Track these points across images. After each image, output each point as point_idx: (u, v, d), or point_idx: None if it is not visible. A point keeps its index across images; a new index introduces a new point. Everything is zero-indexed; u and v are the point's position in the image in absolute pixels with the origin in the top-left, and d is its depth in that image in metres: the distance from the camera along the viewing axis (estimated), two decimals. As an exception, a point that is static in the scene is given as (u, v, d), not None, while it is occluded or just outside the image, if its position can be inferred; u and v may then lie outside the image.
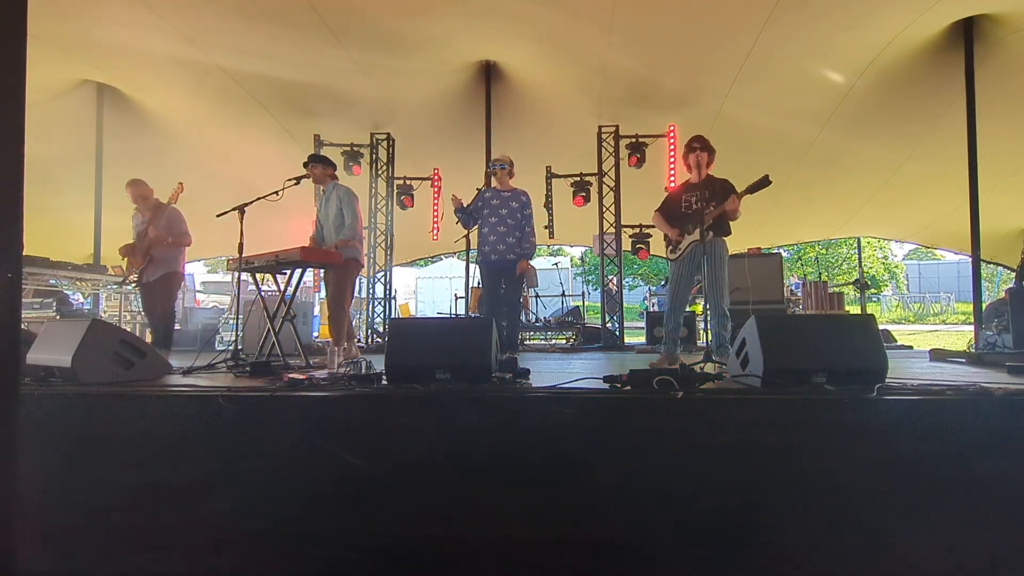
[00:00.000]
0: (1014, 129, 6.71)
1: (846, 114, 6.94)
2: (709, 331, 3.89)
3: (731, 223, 3.85)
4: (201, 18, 5.50)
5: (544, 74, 6.85)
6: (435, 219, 8.38)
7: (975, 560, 1.94)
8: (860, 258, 14.87)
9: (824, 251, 22.02)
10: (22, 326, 2.62)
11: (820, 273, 14.73)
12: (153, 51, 5.95)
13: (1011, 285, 6.14)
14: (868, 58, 6.01)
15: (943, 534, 1.95)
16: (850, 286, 9.79)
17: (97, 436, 2.30)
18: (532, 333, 8.56)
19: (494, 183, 4.58)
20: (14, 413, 1.53)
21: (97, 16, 5.41)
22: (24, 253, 2.37)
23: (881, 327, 3.43)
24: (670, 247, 4.03)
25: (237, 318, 4.63)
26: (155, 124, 7.40)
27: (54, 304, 6.37)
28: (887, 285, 24.41)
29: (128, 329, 4.48)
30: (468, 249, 4.49)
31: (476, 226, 4.57)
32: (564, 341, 8.14)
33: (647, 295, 15.03)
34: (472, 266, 4.63)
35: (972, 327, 6.19)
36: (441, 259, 20.21)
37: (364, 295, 8.52)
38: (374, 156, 8.24)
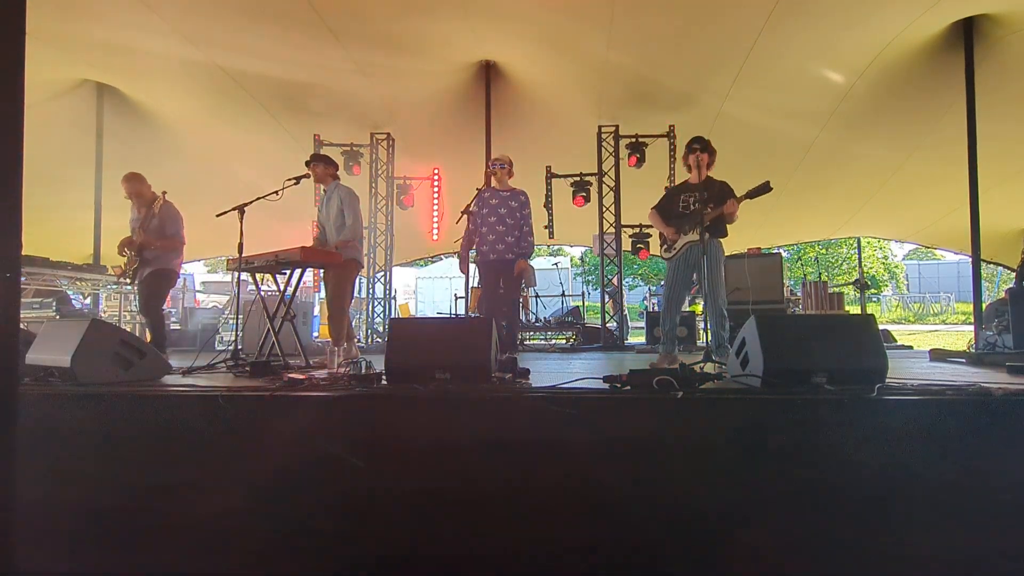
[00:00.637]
0: (1014, 129, 6.71)
1: (846, 114, 6.94)
2: (708, 331, 3.90)
3: (728, 225, 3.86)
4: (201, 18, 5.50)
5: (544, 74, 6.85)
6: (435, 219, 8.39)
7: (975, 560, 1.94)
8: (860, 258, 14.86)
9: (824, 251, 22.02)
10: (22, 326, 2.63)
11: (820, 273, 14.73)
12: (153, 51, 5.95)
13: (1011, 285, 6.13)
14: (868, 58, 6.01)
15: (943, 534, 1.95)
16: (850, 286, 9.78)
17: (97, 436, 2.30)
18: (532, 333, 8.56)
19: (493, 183, 4.57)
20: (14, 413, 1.53)
21: (97, 16, 5.41)
22: (24, 253, 2.37)
23: (881, 327, 3.43)
24: (664, 246, 4.05)
25: (237, 318, 4.62)
26: (155, 124, 7.39)
27: (54, 304, 6.37)
28: (887, 285, 24.41)
29: (128, 329, 4.46)
30: (468, 249, 4.48)
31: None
32: (564, 341, 8.14)
33: (647, 295, 15.03)
34: (472, 266, 4.61)
35: (972, 327, 6.19)
36: (441, 259, 20.21)
37: (364, 295, 8.53)
38: (374, 156, 8.24)
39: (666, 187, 7.47)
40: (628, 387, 2.38)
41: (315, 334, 8.21)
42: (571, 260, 27.51)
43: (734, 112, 7.03)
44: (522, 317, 8.26)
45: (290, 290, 3.99)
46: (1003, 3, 5.24)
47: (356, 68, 6.41)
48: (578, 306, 9.37)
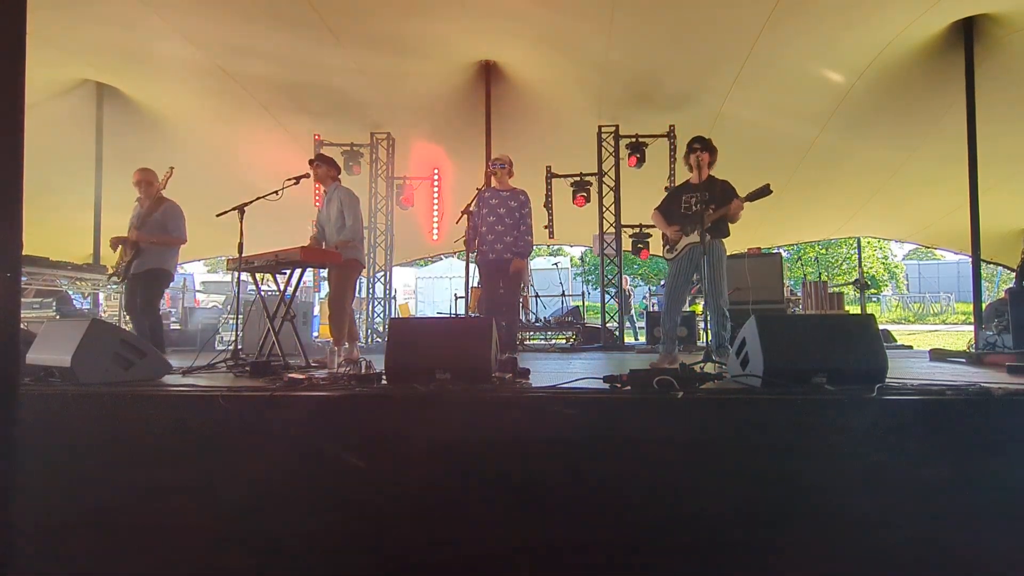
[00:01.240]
0: (1014, 129, 6.71)
1: (846, 114, 6.95)
2: (709, 331, 3.90)
3: (730, 225, 3.86)
4: (201, 18, 5.50)
5: (544, 74, 6.85)
6: (435, 219, 8.39)
7: (976, 560, 1.94)
8: (860, 258, 14.84)
9: (824, 251, 22.02)
10: (22, 326, 2.63)
11: (820, 273, 14.73)
12: (153, 51, 5.95)
13: (1011, 285, 6.14)
14: (868, 58, 6.01)
15: (943, 534, 1.95)
16: (850, 286, 9.79)
17: (97, 436, 2.30)
18: (532, 333, 8.56)
19: (493, 183, 4.58)
20: (14, 413, 1.53)
21: (97, 16, 5.41)
22: (24, 253, 2.37)
23: (881, 327, 3.43)
24: (667, 246, 4.04)
25: (237, 318, 4.62)
26: (155, 124, 7.39)
27: (54, 304, 6.37)
28: (887, 285, 24.41)
29: (128, 329, 4.45)
30: (468, 249, 4.48)
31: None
32: (564, 341, 8.15)
33: (647, 295, 15.05)
34: (472, 266, 4.61)
35: (972, 327, 6.19)
36: (441, 259, 20.21)
37: (364, 295, 8.53)
38: (374, 156, 8.24)
39: (666, 187, 7.48)
40: (628, 387, 2.38)
41: (315, 334, 8.21)
42: (571, 260, 27.51)
43: (734, 112, 7.03)
44: (522, 317, 8.26)
45: (290, 290, 3.99)
46: (1003, 3, 5.24)
47: (356, 68, 6.41)
48: (578, 306, 9.37)
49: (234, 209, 3.89)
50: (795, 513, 2.03)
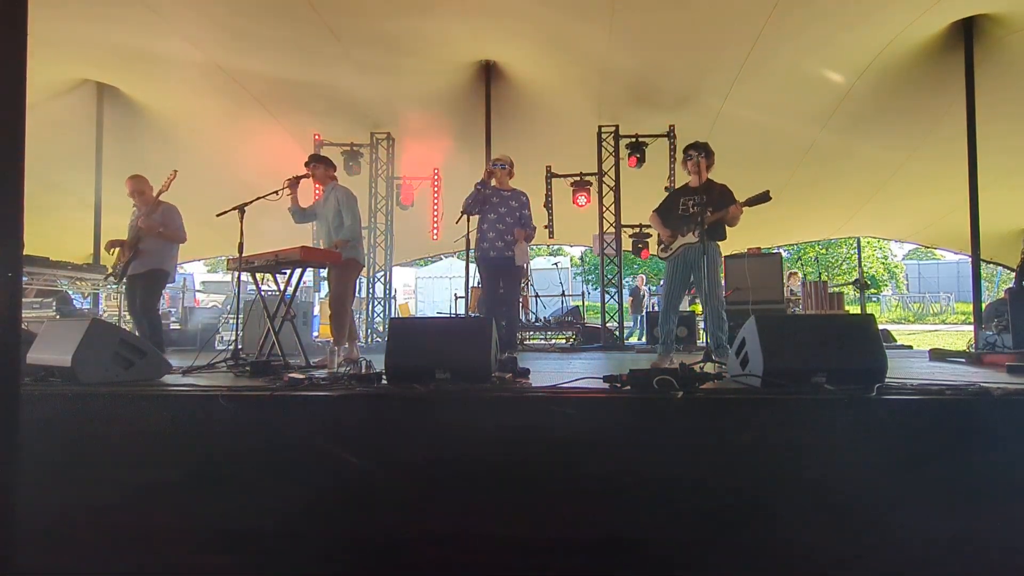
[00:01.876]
0: (1014, 129, 6.71)
1: (846, 114, 6.95)
2: (707, 332, 3.92)
3: (728, 228, 3.90)
4: (201, 18, 5.50)
5: (544, 74, 6.85)
6: (435, 219, 8.39)
7: (975, 559, 1.94)
8: (860, 258, 14.85)
9: (824, 251, 22.03)
10: (22, 326, 2.62)
11: (820, 273, 14.73)
12: (153, 51, 5.95)
13: (1011, 285, 6.14)
14: (868, 58, 6.01)
15: (943, 533, 1.95)
16: (850, 286, 9.79)
17: (97, 436, 2.30)
18: (532, 333, 8.56)
19: (494, 183, 4.58)
20: (14, 413, 1.53)
21: (97, 16, 5.41)
22: (24, 253, 2.38)
23: (881, 327, 3.43)
24: (661, 246, 4.10)
25: (237, 318, 4.62)
26: (155, 124, 7.39)
27: (54, 304, 6.37)
28: (887, 285, 24.42)
29: (128, 329, 4.46)
30: (468, 249, 4.48)
31: (477, 215, 4.56)
32: (564, 341, 8.15)
33: (647, 295, 15.03)
34: (472, 266, 4.61)
35: (972, 327, 6.19)
36: (441, 259, 20.22)
37: (364, 295, 8.53)
38: (374, 156, 8.24)
39: (666, 187, 7.49)
40: (628, 387, 2.38)
41: (315, 334, 8.21)
42: (571, 260, 27.51)
43: (734, 112, 7.03)
44: (522, 317, 8.26)
45: (290, 290, 3.99)
46: (1003, 3, 5.24)
47: (356, 68, 6.41)
48: (578, 306, 9.38)
49: (234, 209, 3.89)
50: (795, 512, 2.03)
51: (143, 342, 3.07)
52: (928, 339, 10.60)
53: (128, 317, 4.92)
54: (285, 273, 4.10)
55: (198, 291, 12.94)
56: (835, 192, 9.29)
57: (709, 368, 3.27)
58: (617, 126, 7.55)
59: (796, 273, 10.23)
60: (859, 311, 8.83)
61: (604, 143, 7.66)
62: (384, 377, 2.66)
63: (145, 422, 2.30)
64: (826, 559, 1.99)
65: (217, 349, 6.10)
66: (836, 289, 8.96)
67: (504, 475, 2.12)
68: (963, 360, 4.18)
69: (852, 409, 2.08)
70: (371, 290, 8.49)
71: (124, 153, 7.28)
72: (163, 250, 4.51)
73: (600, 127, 7.63)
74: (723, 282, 3.78)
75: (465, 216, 4.46)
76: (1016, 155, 7.24)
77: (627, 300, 12.63)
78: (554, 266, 14.77)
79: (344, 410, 2.31)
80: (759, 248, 8.44)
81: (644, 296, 12.86)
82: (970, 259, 6.03)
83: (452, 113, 7.40)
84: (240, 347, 3.83)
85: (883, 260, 24.70)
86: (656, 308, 10.85)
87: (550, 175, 8.01)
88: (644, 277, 13.98)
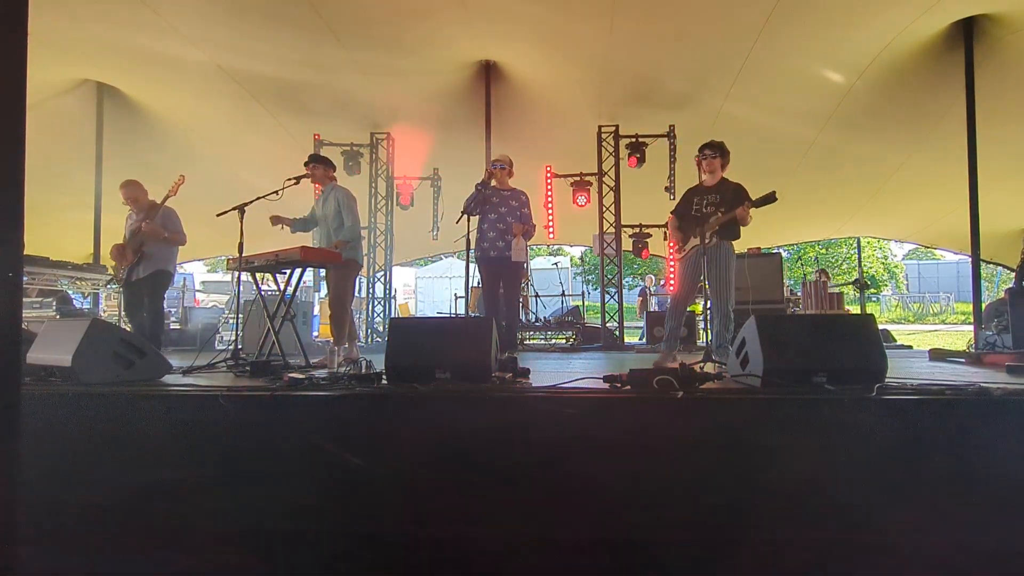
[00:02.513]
0: (1014, 129, 6.71)
1: (846, 114, 6.95)
2: (710, 331, 3.92)
3: (741, 227, 3.90)
4: (201, 18, 5.50)
5: (544, 74, 6.85)
6: (435, 219, 8.40)
7: (975, 559, 1.94)
8: (860, 258, 14.83)
9: (824, 251, 22.03)
10: (22, 326, 2.62)
11: (820, 273, 14.70)
12: (153, 51, 5.95)
13: (1011, 285, 6.14)
14: (868, 58, 6.01)
15: (943, 534, 1.95)
16: (850, 286, 9.79)
17: (97, 436, 2.30)
18: (532, 333, 8.56)
19: (494, 183, 4.58)
20: (14, 413, 1.53)
21: (97, 16, 5.41)
22: (24, 253, 2.38)
23: (881, 327, 3.43)
24: (678, 246, 4.12)
25: (237, 318, 4.62)
26: (155, 124, 7.39)
27: (54, 303, 6.37)
28: (887, 285, 24.43)
29: (128, 329, 4.46)
30: (468, 249, 4.48)
31: (477, 216, 4.56)
32: (564, 341, 8.14)
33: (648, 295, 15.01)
34: (472, 266, 4.61)
35: (972, 327, 6.19)
36: (441, 259, 20.23)
37: (364, 295, 8.53)
38: (374, 156, 8.24)
39: (666, 187, 7.50)
40: (628, 387, 2.38)
41: (315, 334, 8.21)
42: (571, 260, 27.51)
43: (734, 112, 7.04)
44: (522, 317, 8.26)
45: (290, 290, 3.99)
46: (1003, 3, 5.24)
47: (356, 68, 6.41)
48: (578, 306, 9.37)
49: (234, 209, 3.90)
50: (795, 512, 2.03)
51: (143, 342, 3.07)
52: (928, 339, 10.60)
53: (127, 319, 4.93)
54: (285, 273, 4.10)
55: (198, 291, 12.94)
56: (835, 192, 9.29)
57: (709, 368, 3.27)
58: (617, 126, 7.55)
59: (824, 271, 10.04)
60: (859, 311, 8.83)
61: (604, 143, 7.66)
62: (384, 377, 2.66)
63: (145, 422, 2.30)
64: (826, 559, 1.99)
65: (217, 349, 6.10)
66: (836, 289, 8.96)
67: (504, 475, 2.12)
68: (963, 360, 4.17)
69: (852, 409, 2.08)
70: (371, 290, 8.49)
71: (124, 153, 7.28)
72: (165, 252, 4.62)
73: (600, 127, 7.63)
74: (734, 281, 3.80)
75: (465, 216, 4.46)
76: (1016, 155, 7.24)
77: (636, 301, 12.64)
78: (554, 266, 14.77)
79: (344, 410, 2.31)
80: (759, 248, 8.44)
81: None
82: (970, 259, 6.03)
83: (452, 113, 7.40)
84: (240, 347, 3.83)
85: (883, 260, 24.71)
86: (656, 308, 10.84)
87: (550, 175, 8.02)
88: (653, 278, 13.98)
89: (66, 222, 8.11)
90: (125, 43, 5.87)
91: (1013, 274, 6.83)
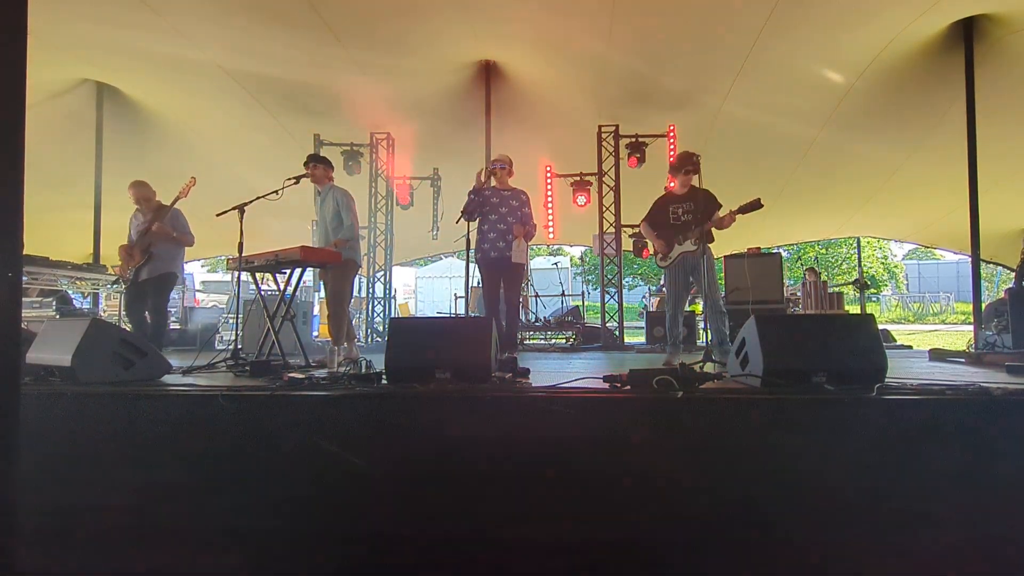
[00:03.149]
0: (1014, 129, 6.71)
1: (846, 114, 6.95)
2: (709, 330, 3.97)
3: (728, 228, 4.02)
4: (201, 18, 5.50)
5: (544, 74, 6.85)
6: (435, 219, 8.39)
7: (975, 559, 1.94)
8: (860, 258, 14.84)
9: (824, 251, 22.03)
10: (22, 325, 2.62)
11: (820, 273, 14.71)
12: (153, 51, 5.95)
13: (1011, 285, 6.14)
14: (868, 58, 6.01)
15: (943, 533, 1.95)
16: (850, 286, 9.79)
17: (97, 436, 2.30)
18: (532, 333, 8.56)
19: (494, 183, 4.58)
20: (14, 413, 1.53)
21: (97, 16, 5.41)
22: (24, 253, 2.37)
23: (881, 327, 3.43)
24: (659, 256, 4.23)
25: (237, 318, 4.62)
26: (155, 124, 7.39)
27: (54, 303, 6.36)
28: (887, 285, 24.43)
29: (128, 329, 4.46)
30: (468, 249, 4.48)
31: (477, 219, 4.56)
32: (564, 341, 8.14)
33: (647, 295, 15.05)
34: (472, 266, 4.61)
35: (972, 327, 6.19)
36: (441, 259, 20.23)
37: (364, 295, 8.53)
38: (374, 156, 8.24)
39: (665, 188, 7.48)
40: (628, 387, 2.38)
41: (315, 333, 8.21)
42: (571, 260, 27.52)
43: (734, 112, 7.03)
44: (522, 317, 8.26)
45: (290, 290, 3.99)
46: (1003, 3, 5.24)
47: (356, 68, 6.41)
48: (578, 306, 9.37)
49: (234, 209, 3.90)
50: (795, 512, 2.03)
51: (143, 342, 3.07)
52: (928, 339, 10.59)
53: (127, 318, 4.93)
54: (285, 273, 4.10)
55: (198, 291, 12.94)
56: (835, 192, 9.30)
57: (709, 368, 3.27)
58: (617, 126, 7.55)
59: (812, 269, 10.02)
60: (859, 311, 8.83)
61: (604, 143, 7.66)
62: (384, 377, 2.66)
63: (145, 422, 2.30)
64: (826, 559, 1.99)
65: (217, 349, 6.10)
66: (836, 289, 8.96)
67: (504, 475, 2.12)
68: (963, 360, 4.17)
69: (852, 409, 2.08)
70: (371, 290, 8.49)
71: (124, 153, 7.28)
72: (173, 254, 4.66)
73: (600, 127, 7.63)
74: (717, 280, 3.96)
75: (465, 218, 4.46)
76: (1016, 155, 7.24)
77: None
78: (554, 266, 14.76)
79: (344, 410, 2.31)
80: (759, 248, 8.44)
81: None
82: (970, 259, 6.03)
83: (452, 113, 7.40)
84: (240, 347, 3.83)
85: (883, 260, 24.71)
86: (655, 309, 10.84)
87: (550, 175, 8.01)
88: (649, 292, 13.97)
89: (66, 222, 8.11)
90: (125, 43, 5.87)
91: (1013, 274, 6.84)
